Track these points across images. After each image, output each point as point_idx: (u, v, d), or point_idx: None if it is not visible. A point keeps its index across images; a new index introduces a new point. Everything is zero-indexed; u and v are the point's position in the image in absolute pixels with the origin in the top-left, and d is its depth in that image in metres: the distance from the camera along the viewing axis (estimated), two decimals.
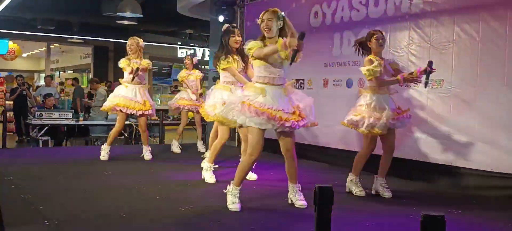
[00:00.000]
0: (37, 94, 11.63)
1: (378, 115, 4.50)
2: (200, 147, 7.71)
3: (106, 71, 18.10)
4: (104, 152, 6.39)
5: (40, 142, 8.27)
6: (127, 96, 6.33)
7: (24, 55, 19.60)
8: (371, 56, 4.63)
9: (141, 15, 9.93)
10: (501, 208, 4.48)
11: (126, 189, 4.76)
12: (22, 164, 6.00)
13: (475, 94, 5.12)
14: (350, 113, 4.71)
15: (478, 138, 5.08)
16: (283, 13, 4.02)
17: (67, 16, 11.59)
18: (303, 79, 7.37)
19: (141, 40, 6.62)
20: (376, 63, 4.52)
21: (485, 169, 4.99)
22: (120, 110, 6.34)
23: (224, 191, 4.09)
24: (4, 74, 17.62)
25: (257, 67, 4.04)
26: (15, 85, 12.66)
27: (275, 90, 3.97)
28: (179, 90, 8.19)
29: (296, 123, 3.94)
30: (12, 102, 11.91)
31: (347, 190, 4.75)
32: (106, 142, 6.57)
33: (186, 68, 7.70)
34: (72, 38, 16.33)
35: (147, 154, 6.60)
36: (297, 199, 4.15)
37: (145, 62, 6.48)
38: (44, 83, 13.82)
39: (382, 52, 4.75)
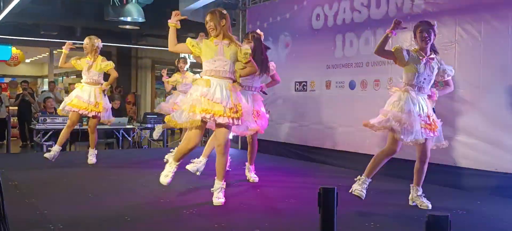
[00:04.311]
0: (40, 99, 11.67)
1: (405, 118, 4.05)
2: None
3: (108, 76, 18.01)
4: (53, 152, 6.07)
5: (44, 147, 8.30)
6: (80, 97, 6.21)
7: (27, 60, 19.64)
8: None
9: (144, 20, 9.94)
10: (505, 208, 4.47)
11: (130, 192, 4.78)
12: (26, 169, 6.02)
13: (478, 94, 5.12)
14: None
15: (481, 138, 5.07)
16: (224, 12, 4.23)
17: (70, 21, 11.64)
18: (305, 81, 7.37)
19: (98, 40, 6.43)
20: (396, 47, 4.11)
21: (489, 169, 4.99)
22: (73, 110, 6.20)
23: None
24: (7, 80, 17.70)
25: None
26: (19, 91, 12.72)
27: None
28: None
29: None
30: (16, 108, 11.95)
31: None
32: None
33: (179, 71, 7.06)
34: (75, 43, 16.36)
35: (91, 157, 6.40)
36: (217, 196, 4.20)
37: (104, 65, 6.39)
38: (47, 89, 13.87)
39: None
